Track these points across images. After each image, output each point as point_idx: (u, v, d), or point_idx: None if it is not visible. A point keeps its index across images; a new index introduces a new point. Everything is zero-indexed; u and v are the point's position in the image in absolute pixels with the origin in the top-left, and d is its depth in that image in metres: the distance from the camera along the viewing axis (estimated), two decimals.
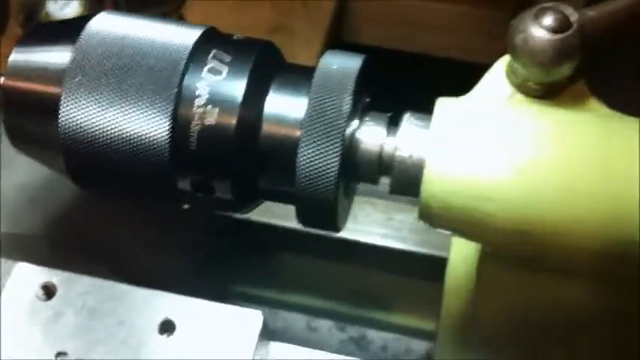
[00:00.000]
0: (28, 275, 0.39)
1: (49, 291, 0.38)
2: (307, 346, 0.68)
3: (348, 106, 0.36)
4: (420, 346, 0.66)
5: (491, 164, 0.35)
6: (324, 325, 0.68)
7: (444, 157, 0.35)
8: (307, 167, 0.36)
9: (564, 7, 0.36)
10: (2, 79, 0.39)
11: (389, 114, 0.39)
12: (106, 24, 0.39)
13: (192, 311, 0.38)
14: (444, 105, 0.37)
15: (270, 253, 0.66)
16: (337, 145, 0.36)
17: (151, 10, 0.88)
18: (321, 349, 0.68)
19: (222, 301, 0.67)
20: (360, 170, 0.38)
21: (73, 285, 0.39)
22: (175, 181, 0.38)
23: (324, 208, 0.37)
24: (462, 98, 0.38)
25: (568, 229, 0.34)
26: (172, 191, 0.38)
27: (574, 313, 0.40)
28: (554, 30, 0.35)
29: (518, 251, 0.37)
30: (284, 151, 0.37)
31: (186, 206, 0.41)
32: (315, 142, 0.36)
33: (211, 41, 0.39)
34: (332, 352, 0.68)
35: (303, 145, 0.36)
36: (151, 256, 0.54)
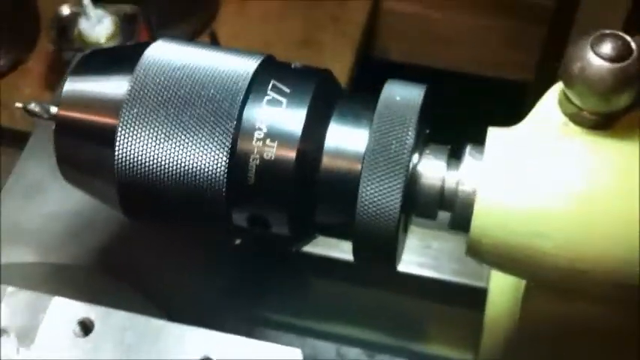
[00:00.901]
0: (64, 310, 0.37)
1: (86, 327, 0.37)
2: None
3: (412, 139, 0.35)
4: None
5: (546, 198, 0.34)
6: (353, 352, 0.67)
7: (496, 189, 0.34)
8: (368, 203, 0.35)
9: (623, 33, 0.34)
10: (56, 109, 0.38)
11: (449, 146, 0.37)
12: (163, 53, 0.38)
13: (229, 348, 0.37)
14: (495, 135, 0.36)
15: (303, 280, 0.65)
16: (400, 180, 0.35)
17: (182, 26, 0.88)
18: None
19: (252, 328, 0.66)
20: (419, 205, 0.37)
21: (111, 320, 0.38)
22: (231, 216, 0.37)
23: (384, 245, 0.36)
24: (513, 128, 0.36)
25: (629, 267, 0.33)
26: (227, 226, 0.37)
27: (613, 335, 0.39)
28: (613, 58, 0.33)
29: (571, 287, 0.35)
30: (344, 185, 0.36)
31: (238, 241, 0.40)
32: (377, 176, 0.35)
33: (270, 70, 0.37)
34: None
35: (364, 179, 0.35)
36: (182, 282, 0.53)
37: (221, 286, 0.58)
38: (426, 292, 0.58)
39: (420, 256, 0.56)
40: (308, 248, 0.60)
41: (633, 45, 0.34)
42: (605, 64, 0.33)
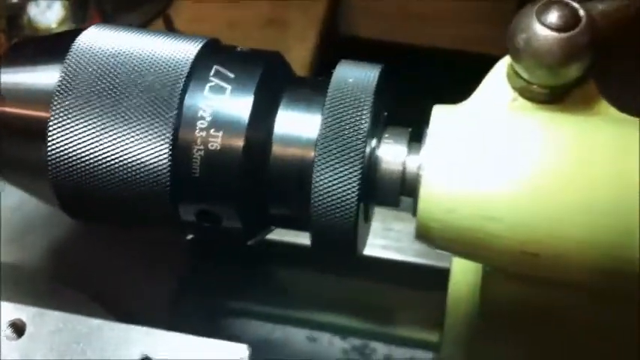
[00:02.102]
0: None
1: (18, 328, 0.35)
2: (309, 357, 0.65)
3: (367, 123, 0.33)
4: (424, 355, 0.64)
5: (495, 179, 0.32)
6: (325, 335, 0.66)
7: (442, 171, 0.32)
8: (324, 192, 0.33)
9: (569, 0, 0.32)
10: None
11: (409, 129, 0.35)
12: (98, 39, 0.35)
13: (172, 347, 0.35)
14: (440, 113, 0.34)
15: (268, 268, 0.63)
16: (357, 168, 0.33)
17: (137, 11, 0.85)
18: (324, 359, 0.66)
19: (220, 319, 0.65)
20: (380, 193, 0.34)
21: (44, 321, 0.36)
22: (177, 211, 0.35)
23: (343, 236, 0.34)
24: (460, 105, 0.34)
25: (582, 248, 0.31)
26: (175, 222, 0.35)
27: (574, 319, 0.38)
28: (560, 28, 0.31)
29: (524, 271, 0.34)
30: (297, 174, 0.34)
31: (190, 236, 0.38)
32: (331, 164, 0.33)
33: (213, 55, 0.35)
34: None
35: (318, 168, 0.33)
36: (135, 281, 0.51)
37: (180, 279, 0.57)
38: (390, 274, 0.57)
39: (383, 238, 0.54)
40: (269, 235, 0.59)
41: (581, 12, 0.32)
42: (552, 34, 0.31)
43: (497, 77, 0.35)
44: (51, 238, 0.47)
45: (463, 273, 0.47)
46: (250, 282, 0.64)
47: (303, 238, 0.57)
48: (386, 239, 0.54)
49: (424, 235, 0.33)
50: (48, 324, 0.36)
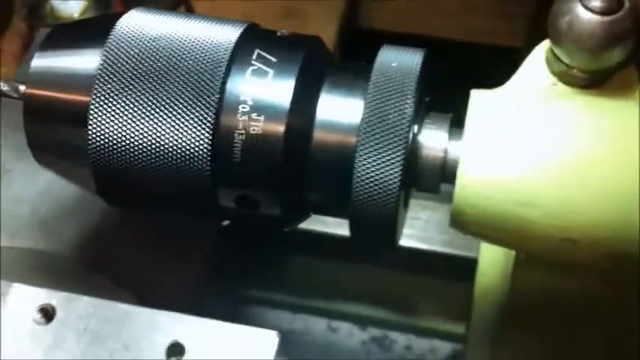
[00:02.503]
0: (25, 298, 0.35)
1: (47, 314, 0.35)
2: (329, 348, 0.65)
3: (412, 108, 0.32)
4: (444, 345, 0.64)
5: (534, 165, 0.31)
6: (345, 325, 0.65)
7: (479, 157, 0.32)
8: (365, 178, 0.32)
9: None
10: (23, 87, 0.35)
11: (451, 115, 0.35)
12: (138, 23, 0.35)
13: (202, 332, 0.35)
14: (478, 98, 0.33)
15: (290, 257, 0.63)
16: (400, 153, 0.32)
17: (158, 2, 0.85)
18: (343, 350, 0.65)
19: (242, 307, 0.65)
20: (421, 179, 0.34)
21: (74, 306, 0.35)
22: (217, 197, 0.34)
23: (383, 224, 0.33)
24: (498, 90, 0.34)
25: (624, 234, 0.31)
26: (213, 208, 0.35)
27: (607, 312, 0.37)
28: (603, 11, 0.31)
29: (562, 258, 0.33)
30: (338, 160, 0.33)
31: (226, 222, 0.37)
32: (374, 149, 0.32)
33: (254, 39, 0.35)
34: (354, 352, 0.65)
35: (360, 153, 0.32)
36: (158, 270, 0.51)
37: (203, 268, 0.57)
38: (416, 264, 0.56)
39: (409, 227, 0.54)
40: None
41: None
42: (595, 18, 0.31)
43: (536, 62, 0.34)
44: (80, 224, 0.47)
45: (491, 263, 0.46)
46: (271, 271, 0.63)
47: (326, 226, 0.56)
48: (413, 228, 0.54)
49: (459, 221, 0.33)
50: (78, 309, 0.35)
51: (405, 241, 0.54)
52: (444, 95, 0.38)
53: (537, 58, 0.34)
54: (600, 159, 0.31)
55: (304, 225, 0.56)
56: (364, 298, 0.62)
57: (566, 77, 0.33)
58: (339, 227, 0.53)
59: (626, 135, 0.32)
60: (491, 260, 0.46)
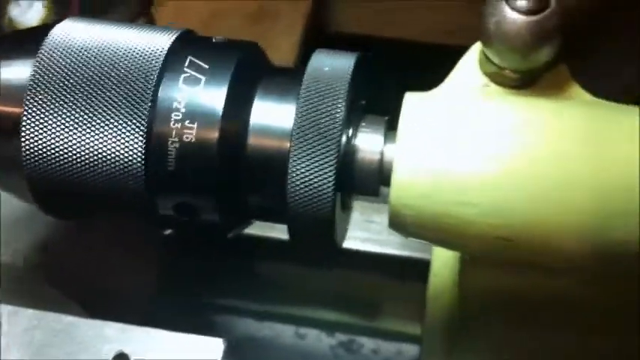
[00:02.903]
0: None
1: None
2: (297, 354, 0.65)
3: (343, 112, 0.33)
4: (411, 348, 0.64)
5: (468, 164, 0.32)
6: (313, 332, 0.66)
7: (412, 158, 0.32)
8: (300, 183, 0.33)
9: None
10: None
11: (386, 117, 0.35)
12: (70, 32, 0.35)
13: (147, 342, 0.34)
14: (411, 100, 0.34)
15: (252, 263, 0.63)
16: (332, 157, 0.32)
17: (121, 8, 0.84)
18: (312, 356, 0.66)
19: (207, 316, 0.65)
20: (358, 182, 0.34)
21: (19, 319, 0.35)
22: (155, 206, 0.34)
23: (321, 226, 0.34)
24: (431, 92, 0.34)
25: (559, 232, 0.31)
26: (153, 217, 0.35)
27: (557, 303, 0.37)
28: (529, 11, 0.31)
29: (499, 257, 0.34)
30: (273, 165, 0.33)
31: (168, 231, 0.37)
32: (307, 154, 0.32)
33: (187, 46, 0.35)
34: (323, 357, 0.65)
35: (294, 158, 0.33)
36: (121, 273, 0.51)
37: (163, 276, 0.56)
38: (373, 267, 0.56)
39: (364, 230, 0.54)
40: (253, 230, 0.59)
41: None
42: (521, 18, 0.31)
43: (469, 63, 0.34)
44: (30, 235, 0.47)
45: (443, 264, 0.46)
46: (234, 278, 0.63)
47: (285, 233, 0.57)
48: (367, 232, 0.54)
49: (397, 222, 0.33)
50: (22, 322, 0.35)
51: (360, 245, 0.55)
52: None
53: (470, 60, 0.34)
54: (532, 158, 0.31)
55: (268, 232, 0.56)
56: (328, 302, 0.62)
57: (498, 78, 0.33)
58: None
59: (558, 133, 0.32)
60: (443, 261, 0.46)
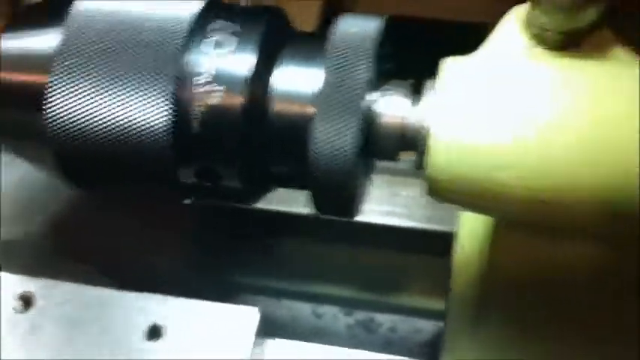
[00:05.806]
0: (5, 285, 0.35)
1: (27, 301, 0.35)
2: (314, 334, 0.64)
3: (367, 74, 0.32)
4: (429, 325, 0.63)
5: (507, 127, 0.31)
6: (330, 310, 0.65)
7: (451, 122, 0.31)
8: (322, 144, 0.32)
9: None
10: None
11: (411, 81, 0.34)
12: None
13: (181, 313, 0.34)
14: (450, 64, 0.33)
15: (269, 241, 0.62)
16: (355, 118, 0.32)
17: None
18: (328, 335, 0.65)
19: (224, 294, 0.64)
20: (379, 145, 0.34)
21: (52, 293, 0.35)
22: (178, 170, 0.34)
23: (342, 191, 0.33)
24: (469, 56, 0.33)
25: (597, 195, 0.30)
26: (175, 182, 0.35)
27: (582, 271, 0.37)
28: None
29: (534, 220, 0.33)
30: (297, 130, 0.33)
31: (188, 201, 0.37)
32: (330, 116, 0.32)
33: (215, 10, 0.35)
34: (340, 337, 0.65)
35: (317, 120, 0.32)
36: (146, 251, 0.50)
37: (190, 254, 0.56)
38: (398, 241, 0.55)
39: (390, 205, 0.53)
40: (270, 206, 0.58)
41: None
42: None
43: (508, 28, 0.34)
44: (54, 212, 0.46)
45: (470, 236, 0.46)
46: (253, 256, 0.63)
47: (303, 207, 0.56)
48: (393, 205, 0.53)
49: (434, 189, 0.32)
50: (56, 295, 0.35)
51: (385, 219, 0.54)
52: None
53: (509, 24, 0.34)
54: (570, 120, 0.31)
55: (286, 207, 0.56)
56: (349, 279, 0.61)
57: (541, 39, 0.33)
58: None
59: (600, 95, 0.31)
60: (471, 232, 0.45)
